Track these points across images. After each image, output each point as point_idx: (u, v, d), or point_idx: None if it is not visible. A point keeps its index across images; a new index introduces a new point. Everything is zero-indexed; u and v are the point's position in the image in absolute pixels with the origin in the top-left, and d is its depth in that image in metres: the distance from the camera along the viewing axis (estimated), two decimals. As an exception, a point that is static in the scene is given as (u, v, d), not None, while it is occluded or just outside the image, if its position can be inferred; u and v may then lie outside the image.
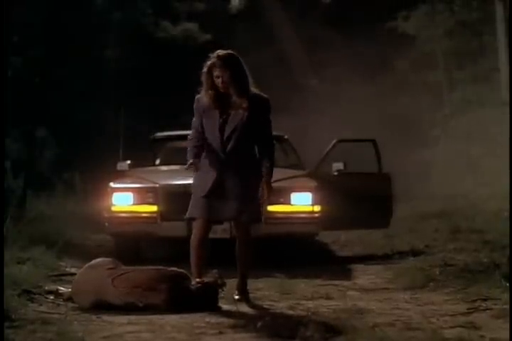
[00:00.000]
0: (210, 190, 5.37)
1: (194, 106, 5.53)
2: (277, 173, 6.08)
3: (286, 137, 9.61)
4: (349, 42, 19.88)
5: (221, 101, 5.38)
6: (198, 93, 5.50)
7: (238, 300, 5.43)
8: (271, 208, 7.71)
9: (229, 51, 5.40)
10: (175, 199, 7.81)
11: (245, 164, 5.39)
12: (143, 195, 7.90)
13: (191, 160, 5.37)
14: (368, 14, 20.88)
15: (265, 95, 5.46)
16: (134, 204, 7.91)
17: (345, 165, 8.73)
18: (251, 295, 5.69)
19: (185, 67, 18.88)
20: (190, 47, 19.45)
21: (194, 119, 5.55)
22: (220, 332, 4.36)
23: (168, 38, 19.35)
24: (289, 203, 7.87)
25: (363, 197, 8.53)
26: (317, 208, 7.89)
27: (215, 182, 5.37)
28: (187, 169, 5.41)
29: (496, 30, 16.76)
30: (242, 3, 23.21)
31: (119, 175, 8.72)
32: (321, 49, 20.95)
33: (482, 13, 18.23)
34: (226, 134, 5.36)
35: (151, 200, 7.88)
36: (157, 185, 7.95)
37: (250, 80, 5.39)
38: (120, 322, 4.67)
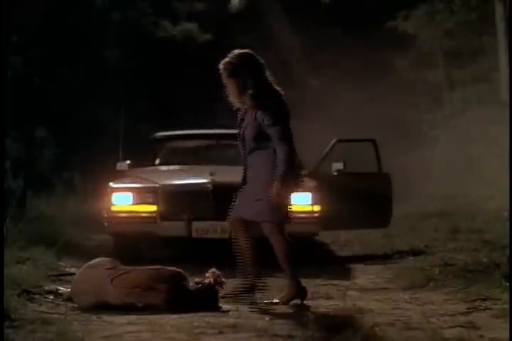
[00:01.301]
0: (238, 191, 5.56)
1: None
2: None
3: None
4: (349, 41, 19.88)
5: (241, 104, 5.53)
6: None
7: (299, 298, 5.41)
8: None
9: (231, 58, 5.44)
10: (175, 199, 7.82)
11: (259, 166, 5.43)
12: (143, 195, 7.90)
13: None
14: (368, 14, 20.89)
15: (274, 99, 5.42)
16: (133, 204, 7.90)
17: (344, 165, 8.73)
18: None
19: (185, 67, 18.89)
20: (190, 46, 19.46)
21: None
22: (220, 332, 4.35)
23: (167, 37, 19.35)
24: (288, 203, 7.86)
25: (363, 196, 8.53)
26: (317, 208, 7.89)
27: (240, 183, 5.56)
28: None
29: (496, 30, 16.77)
30: (242, 2, 23.20)
31: (119, 175, 8.72)
32: (321, 49, 20.94)
33: (482, 12, 18.23)
34: (241, 137, 5.53)
35: (150, 200, 7.87)
36: (157, 185, 7.95)
37: (265, 80, 5.41)
38: (120, 322, 4.67)
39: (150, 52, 19.20)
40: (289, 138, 5.37)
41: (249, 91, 5.36)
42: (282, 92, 5.50)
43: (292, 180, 5.36)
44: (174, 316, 4.82)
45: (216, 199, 7.74)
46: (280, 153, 5.33)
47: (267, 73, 5.47)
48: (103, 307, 5.08)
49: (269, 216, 5.39)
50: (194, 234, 7.71)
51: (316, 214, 7.88)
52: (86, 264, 5.45)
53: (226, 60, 5.44)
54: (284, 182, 5.31)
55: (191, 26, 19.85)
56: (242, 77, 5.38)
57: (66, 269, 7.13)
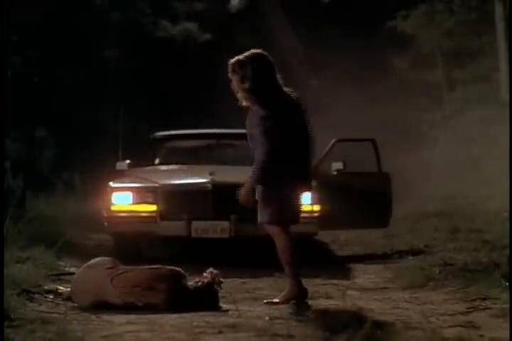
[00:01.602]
0: None
1: None
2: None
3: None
4: (349, 41, 19.88)
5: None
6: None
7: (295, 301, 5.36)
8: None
9: (240, 56, 5.45)
10: (174, 199, 7.82)
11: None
12: (142, 195, 7.90)
13: None
14: (368, 14, 20.88)
15: (277, 101, 5.40)
16: (133, 203, 7.91)
17: (344, 165, 8.72)
18: (250, 294, 5.69)
19: (184, 67, 18.89)
20: (189, 46, 19.46)
21: None
22: (220, 332, 4.35)
23: (167, 37, 19.35)
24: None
25: (363, 196, 8.53)
26: (316, 207, 7.89)
27: None
28: None
29: (496, 30, 16.76)
30: (242, 2, 23.19)
31: (119, 175, 8.72)
32: (321, 49, 20.94)
33: (482, 12, 18.22)
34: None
35: (150, 200, 7.87)
36: (157, 185, 7.95)
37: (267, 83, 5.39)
38: (119, 321, 4.66)
39: (150, 52, 19.20)
40: (272, 139, 5.29)
41: (246, 85, 5.36)
42: (290, 96, 5.47)
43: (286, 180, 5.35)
44: (174, 316, 4.82)
45: (216, 199, 7.75)
46: (257, 155, 5.32)
47: (277, 76, 5.45)
48: (103, 306, 5.08)
49: (265, 217, 5.38)
50: (194, 234, 7.71)
51: (315, 214, 7.88)
52: (86, 264, 5.46)
53: (236, 57, 5.47)
54: (252, 182, 5.32)
55: (191, 26, 19.84)
56: (243, 73, 5.37)
57: (66, 269, 7.13)
